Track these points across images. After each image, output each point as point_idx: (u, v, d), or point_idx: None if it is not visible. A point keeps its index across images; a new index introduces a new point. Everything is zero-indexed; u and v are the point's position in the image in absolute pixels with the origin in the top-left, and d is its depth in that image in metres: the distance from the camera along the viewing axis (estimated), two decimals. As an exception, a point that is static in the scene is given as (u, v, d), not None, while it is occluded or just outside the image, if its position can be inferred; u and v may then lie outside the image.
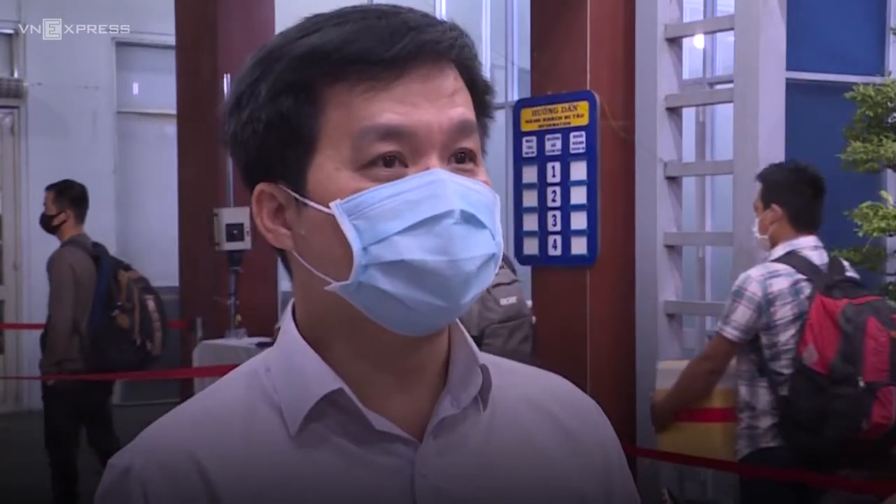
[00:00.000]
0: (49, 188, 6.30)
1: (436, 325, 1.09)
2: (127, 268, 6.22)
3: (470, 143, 1.08)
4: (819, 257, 4.08)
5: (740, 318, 3.98)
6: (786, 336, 3.94)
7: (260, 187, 1.10)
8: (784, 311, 3.95)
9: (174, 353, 8.64)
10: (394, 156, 1.04)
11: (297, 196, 1.07)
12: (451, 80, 1.07)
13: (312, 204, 1.05)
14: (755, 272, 4.04)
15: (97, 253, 6.12)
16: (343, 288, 1.05)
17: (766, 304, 3.95)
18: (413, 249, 1.02)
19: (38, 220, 6.34)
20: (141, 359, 6.16)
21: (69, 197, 6.16)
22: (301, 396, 1.08)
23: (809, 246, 4.09)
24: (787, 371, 3.93)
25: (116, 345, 6.01)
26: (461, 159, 1.07)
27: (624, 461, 1.24)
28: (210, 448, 1.06)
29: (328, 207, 1.04)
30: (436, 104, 1.05)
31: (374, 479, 1.07)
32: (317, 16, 1.09)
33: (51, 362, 5.95)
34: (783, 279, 3.98)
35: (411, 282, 1.03)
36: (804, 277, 3.98)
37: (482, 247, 1.05)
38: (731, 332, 3.99)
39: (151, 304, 6.14)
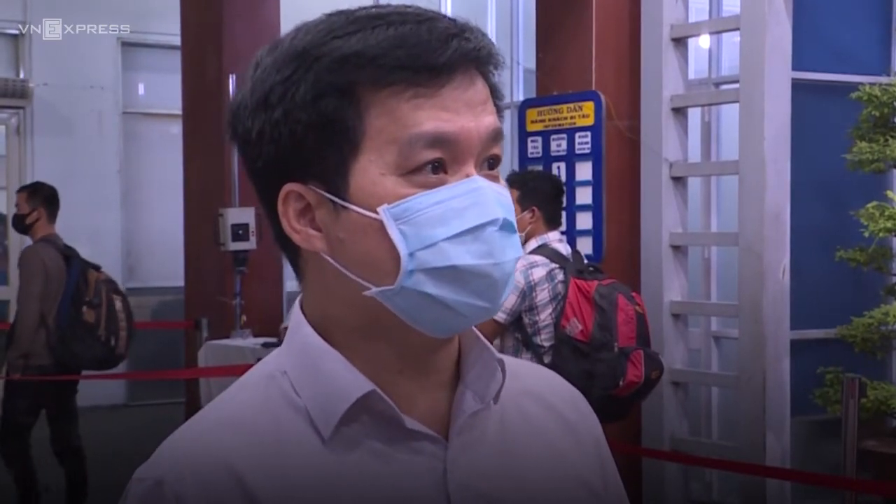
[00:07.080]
0: (21, 189, 6.50)
1: (470, 326, 1.12)
2: (97, 269, 6.32)
3: (498, 150, 1.10)
4: (564, 248, 4.78)
5: (508, 304, 4.50)
6: (544, 315, 4.59)
7: (288, 187, 1.08)
8: (543, 295, 4.58)
9: (179, 353, 8.65)
10: (439, 162, 1.05)
11: (337, 199, 1.06)
12: (482, 88, 1.09)
13: (357, 208, 1.05)
14: (518, 264, 4.42)
15: (69, 253, 6.25)
16: (383, 292, 1.05)
17: (528, 290, 4.57)
18: (462, 255, 1.04)
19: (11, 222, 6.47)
20: (107, 355, 6.21)
21: (41, 196, 6.32)
22: (331, 400, 1.08)
23: (556, 239, 4.78)
24: (547, 343, 4.58)
25: (82, 340, 6.08)
26: (491, 166, 1.10)
27: (609, 451, 1.27)
28: (245, 456, 1.05)
29: (374, 212, 1.04)
30: (473, 111, 1.07)
31: (409, 479, 1.07)
32: (343, 12, 1.08)
33: (17, 355, 6.01)
34: (541, 268, 4.61)
35: (458, 285, 1.05)
36: (557, 266, 4.65)
37: (515, 250, 1.09)
38: (500, 316, 4.52)
39: (119, 305, 6.24)
